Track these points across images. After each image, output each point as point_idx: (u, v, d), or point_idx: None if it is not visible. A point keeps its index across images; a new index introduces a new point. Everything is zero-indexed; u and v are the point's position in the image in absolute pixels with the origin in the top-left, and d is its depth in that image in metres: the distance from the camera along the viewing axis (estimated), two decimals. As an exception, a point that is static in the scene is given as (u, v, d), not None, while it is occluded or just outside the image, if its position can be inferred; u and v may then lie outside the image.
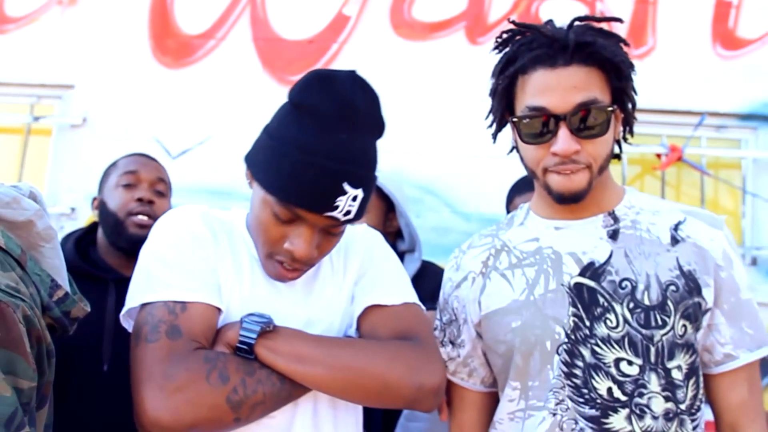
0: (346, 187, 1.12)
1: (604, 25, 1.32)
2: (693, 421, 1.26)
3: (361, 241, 1.36)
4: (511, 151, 1.38)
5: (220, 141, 2.70)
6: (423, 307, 1.31)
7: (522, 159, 1.33)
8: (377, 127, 1.19)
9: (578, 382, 1.24)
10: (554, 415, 1.24)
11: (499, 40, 1.33)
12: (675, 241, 1.30)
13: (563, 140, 1.21)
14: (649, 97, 2.81)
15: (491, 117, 1.38)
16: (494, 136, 1.39)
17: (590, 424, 1.22)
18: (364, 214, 1.19)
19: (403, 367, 1.17)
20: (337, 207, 1.12)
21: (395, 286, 1.31)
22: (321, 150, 1.10)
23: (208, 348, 1.14)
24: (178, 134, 2.70)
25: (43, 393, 1.01)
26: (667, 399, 1.23)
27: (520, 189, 2.04)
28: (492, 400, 1.41)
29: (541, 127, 1.24)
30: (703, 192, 2.83)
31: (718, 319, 1.29)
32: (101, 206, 1.89)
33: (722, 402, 1.33)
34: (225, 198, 2.66)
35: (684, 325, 1.26)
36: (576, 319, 1.26)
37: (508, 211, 2.00)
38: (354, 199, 1.13)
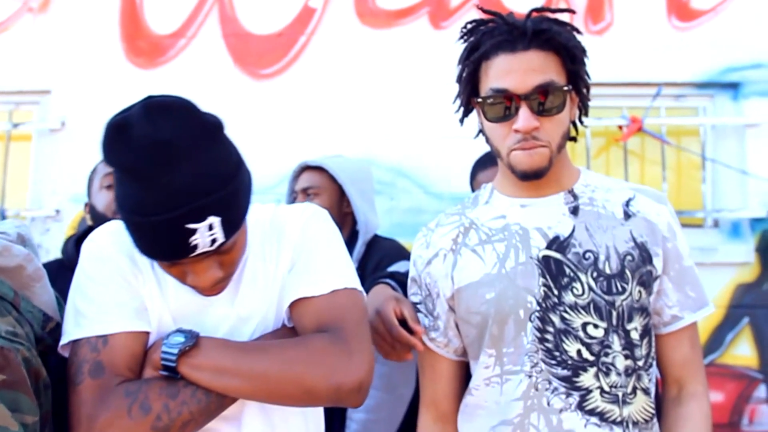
0: (191, 225, 1.06)
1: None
2: (647, 375, 1.39)
3: (295, 224, 1.31)
4: (478, 135, 1.46)
5: None
6: (358, 289, 1.29)
7: (487, 139, 1.42)
8: (202, 136, 1.09)
9: (550, 346, 1.34)
10: (530, 377, 1.34)
11: (464, 30, 1.43)
12: (627, 216, 1.41)
13: (524, 118, 1.31)
14: (609, 70, 2.89)
15: (458, 101, 1.47)
16: (462, 119, 1.48)
17: (563, 383, 1.33)
18: (241, 225, 1.14)
19: (320, 369, 1.15)
20: (196, 246, 1.07)
21: (323, 274, 1.26)
22: (147, 206, 1.05)
23: (132, 379, 1.16)
24: None
25: (42, 422, 1.09)
26: (626, 357, 1.34)
27: (484, 164, 2.10)
28: (461, 369, 1.50)
29: (503, 107, 1.34)
30: (664, 160, 2.92)
31: (666, 285, 1.42)
32: (91, 210, 2.00)
33: (669, 359, 1.45)
34: (205, 192, 2.74)
35: (639, 291, 1.37)
36: (546, 289, 1.36)
37: (472, 187, 2.09)
38: (210, 227, 1.08)
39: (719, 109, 2.95)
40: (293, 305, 1.24)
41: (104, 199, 1.94)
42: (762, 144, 2.85)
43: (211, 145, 1.10)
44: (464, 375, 1.51)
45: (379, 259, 2.05)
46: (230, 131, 2.85)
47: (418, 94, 2.82)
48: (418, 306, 1.50)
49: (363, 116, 2.80)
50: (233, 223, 1.11)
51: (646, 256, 1.38)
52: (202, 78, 2.81)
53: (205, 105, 2.92)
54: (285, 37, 2.83)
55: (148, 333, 1.20)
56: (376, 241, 2.12)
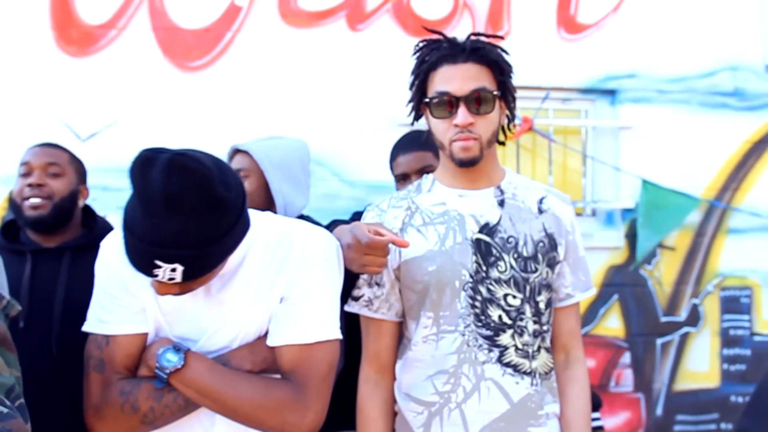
0: (159, 262, 1.23)
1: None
2: (547, 337, 1.71)
3: (299, 256, 1.43)
4: (427, 134, 1.71)
5: (126, 124, 2.86)
6: (334, 338, 1.44)
7: (432, 134, 1.67)
8: (202, 203, 1.22)
9: (478, 311, 1.62)
10: (463, 335, 1.61)
11: (416, 47, 1.69)
12: (540, 211, 1.71)
13: (462, 115, 1.57)
14: (506, 75, 3.18)
15: (411, 105, 1.72)
16: (413, 122, 1.74)
17: (486, 341, 1.61)
18: (204, 276, 1.30)
19: (278, 419, 1.37)
20: (157, 275, 1.25)
21: (309, 324, 1.41)
22: (136, 229, 1.23)
23: (128, 376, 1.40)
24: (86, 118, 2.84)
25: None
26: (535, 322, 1.65)
27: (405, 148, 2.20)
28: (398, 329, 1.74)
29: (446, 106, 1.59)
30: (550, 156, 3.20)
31: (564, 269, 1.72)
32: (10, 196, 2.12)
33: (559, 328, 1.76)
34: (134, 175, 2.86)
35: (547, 271, 1.67)
36: (477, 265, 1.63)
37: (392, 168, 2.24)
38: (173, 270, 1.24)
39: (599, 113, 3.24)
40: (277, 347, 1.42)
41: (17, 187, 2.04)
42: (633, 144, 3.16)
43: (206, 212, 1.23)
44: (399, 332, 1.75)
45: None
46: (157, 119, 3.03)
47: (334, 90, 2.99)
48: (362, 275, 1.69)
49: (283, 109, 2.95)
50: (195, 274, 1.27)
51: (553, 244, 1.68)
52: (131, 68, 2.89)
53: (135, 93, 3.03)
54: (212, 33, 2.95)
55: (146, 333, 1.42)
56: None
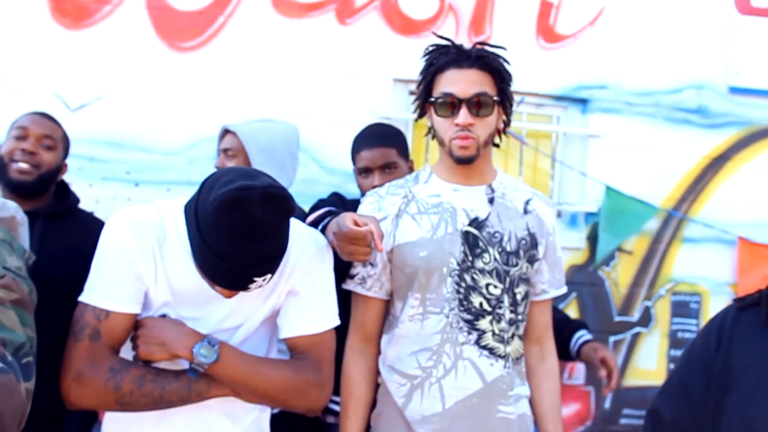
0: (257, 279, 1.39)
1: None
2: (521, 326, 1.84)
3: (303, 255, 1.58)
4: (429, 132, 1.84)
5: (116, 98, 2.89)
6: (335, 325, 1.63)
7: (435, 132, 1.79)
8: (285, 223, 1.40)
9: (461, 297, 1.74)
10: (447, 317, 1.74)
11: (426, 51, 1.82)
12: (526, 211, 1.84)
13: (463, 115, 1.70)
14: (485, 77, 3.29)
15: (417, 103, 1.85)
16: (417, 118, 1.87)
17: (467, 325, 1.74)
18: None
19: (303, 397, 1.55)
20: (250, 288, 1.41)
21: (318, 314, 1.60)
22: (231, 258, 1.34)
23: (116, 353, 1.48)
24: (77, 90, 2.86)
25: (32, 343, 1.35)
26: (512, 312, 1.78)
27: (370, 143, 2.27)
28: (385, 306, 1.87)
29: (449, 106, 1.72)
30: (522, 157, 3.30)
31: (543, 267, 1.86)
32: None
33: (535, 321, 1.91)
34: (119, 148, 2.89)
35: (527, 266, 1.80)
36: (464, 255, 1.75)
37: (354, 160, 2.32)
38: (264, 280, 1.41)
39: (570, 120, 3.34)
40: (290, 337, 1.60)
41: (8, 146, 2.12)
42: (600, 152, 3.27)
43: (287, 227, 1.42)
44: (386, 310, 1.88)
45: None
46: (146, 96, 3.12)
47: (319, 80, 3.05)
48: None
49: (268, 95, 3.00)
50: (275, 273, 1.44)
51: (534, 243, 1.81)
52: (124, 44, 2.92)
53: (126, 69, 3.10)
54: (205, 16, 2.98)
55: (138, 313, 1.50)
56: None
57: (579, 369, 3.25)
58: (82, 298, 1.49)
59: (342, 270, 1.85)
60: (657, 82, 3.33)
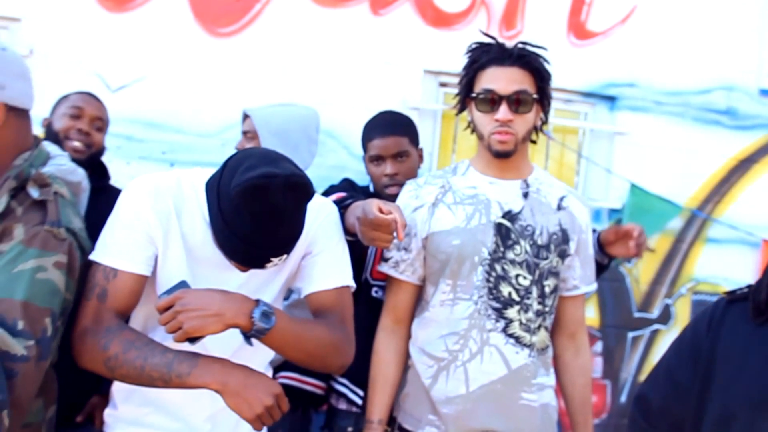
0: (273, 259, 1.42)
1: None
2: (550, 318, 1.87)
3: (315, 220, 1.60)
4: (468, 126, 1.88)
5: (154, 80, 2.95)
6: (351, 285, 1.64)
7: (475, 126, 1.84)
8: (304, 207, 1.43)
9: (491, 285, 1.78)
10: (475, 304, 1.78)
11: (470, 48, 1.86)
12: (559, 208, 1.87)
13: (503, 111, 1.75)
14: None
15: (458, 97, 1.89)
16: (458, 113, 1.91)
17: (495, 312, 1.78)
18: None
19: (339, 354, 1.54)
20: (267, 267, 1.44)
21: (336, 270, 1.62)
22: (256, 241, 1.38)
23: (122, 315, 1.46)
24: (117, 71, 2.92)
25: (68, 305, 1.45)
26: (539, 303, 1.81)
27: (383, 131, 2.28)
28: (418, 291, 1.91)
29: (490, 102, 1.76)
30: (548, 152, 3.31)
31: (575, 263, 1.89)
32: (48, 126, 2.28)
33: (569, 316, 1.95)
34: (155, 129, 2.96)
35: (557, 260, 1.84)
36: (495, 246, 1.79)
37: (365, 148, 2.34)
38: (280, 259, 1.44)
39: (597, 117, 3.34)
40: (311, 294, 1.61)
41: (63, 124, 2.21)
42: (627, 150, 3.27)
43: (305, 211, 1.45)
44: (418, 294, 1.92)
45: None
46: (182, 79, 3.20)
47: (352, 68, 3.09)
48: (395, 242, 1.86)
49: (302, 81, 3.04)
50: (291, 251, 1.46)
51: (565, 238, 1.84)
52: (164, 28, 2.97)
53: (165, 53, 3.18)
54: (242, 3, 3.01)
55: (147, 277, 1.49)
56: None
57: (597, 362, 3.28)
58: (93, 257, 1.48)
59: (358, 258, 1.87)
60: (686, 82, 3.32)
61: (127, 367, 1.39)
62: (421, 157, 2.38)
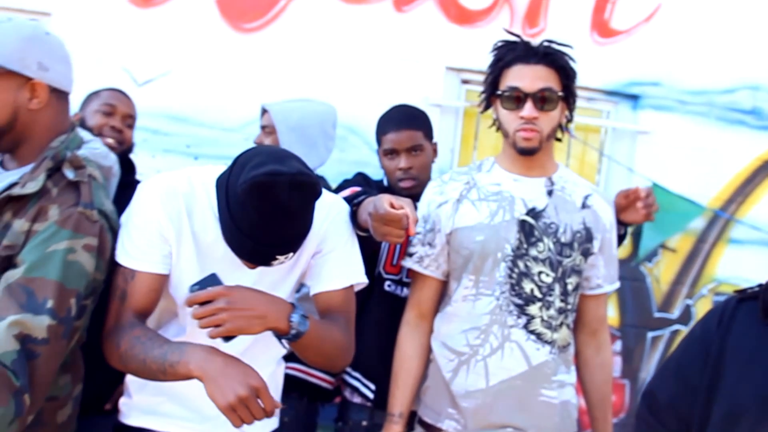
0: (279, 257, 1.43)
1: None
2: (571, 315, 1.88)
3: (326, 218, 1.61)
4: (493, 124, 1.89)
5: (180, 74, 2.98)
6: (360, 281, 1.66)
7: (500, 124, 1.85)
8: (311, 208, 1.43)
9: (514, 282, 1.80)
10: (497, 300, 1.80)
11: (495, 46, 1.87)
12: (584, 206, 1.88)
13: (528, 109, 1.76)
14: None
15: (483, 95, 1.90)
16: (482, 111, 1.93)
17: (517, 309, 1.79)
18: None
19: (344, 355, 1.58)
20: (273, 264, 1.45)
21: (344, 271, 1.63)
22: (261, 239, 1.39)
23: (141, 315, 1.50)
24: (144, 66, 2.96)
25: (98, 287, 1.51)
26: (562, 301, 1.82)
27: (397, 125, 2.27)
28: (441, 286, 1.93)
29: (515, 100, 1.78)
30: (569, 150, 3.29)
31: (599, 262, 1.90)
32: (81, 122, 2.32)
33: (592, 314, 1.96)
34: (181, 123, 3.00)
35: (580, 259, 1.85)
36: (518, 242, 1.80)
37: (379, 141, 2.32)
38: (286, 257, 1.44)
39: (620, 115, 3.32)
40: (319, 294, 1.63)
41: (97, 121, 2.25)
42: (649, 149, 3.24)
43: (312, 210, 1.45)
44: (442, 290, 1.94)
45: None
46: (208, 74, 3.22)
47: (375, 65, 3.10)
48: (417, 235, 1.89)
49: (325, 77, 3.06)
50: (297, 250, 1.47)
51: (589, 237, 1.85)
52: (189, 24, 3.00)
53: (190, 48, 3.22)
54: None
55: (166, 275, 1.53)
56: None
57: (615, 362, 3.27)
58: (117, 259, 1.52)
59: (371, 253, 1.89)
60: (711, 81, 3.28)
61: (134, 362, 1.43)
62: (435, 151, 2.36)
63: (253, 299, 1.38)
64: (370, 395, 2.14)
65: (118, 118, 2.28)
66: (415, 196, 2.13)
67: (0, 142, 1.49)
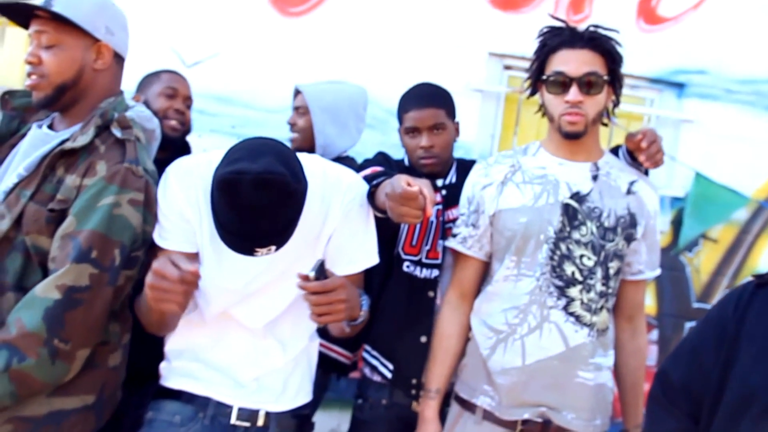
0: (257, 249, 1.44)
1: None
2: (612, 299, 1.87)
3: (343, 200, 1.62)
4: (540, 109, 1.90)
5: (227, 57, 3.05)
6: (375, 261, 1.70)
7: (546, 108, 1.86)
8: (283, 203, 1.39)
9: (555, 264, 1.80)
10: (537, 280, 1.80)
11: (541, 32, 1.87)
12: (629, 192, 1.87)
13: (573, 93, 1.75)
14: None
15: (529, 81, 1.91)
16: (529, 96, 1.93)
17: (557, 290, 1.80)
18: (290, 238, 1.48)
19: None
20: (256, 255, 1.45)
21: (362, 254, 1.68)
22: (236, 232, 1.42)
23: None
24: (193, 48, 3.03)
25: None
26: (603, 284, 1.81)
27: (420, 103, 2.19)
28: (484, 267, 1.95)
29: (560, 84, 1.78)
30: (611, 137, 3.26)
31: (642, 248, 1.88)
32: (145, 104, 2.39)
33: (629, 299, 1.95)
34: (227, 104, 3.07)
35: (623, 244, 1.83)
36: (561, 225, 1.81)
37: (401, 119, 2.23)
38: (268, 250, 1.45)
39: (664, 103, 3.27)
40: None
41: (161, 104, 2.30)
42: (692, 138, 3.20)
43: (286, 206, 1.42)
44: (484, 271, 1.96)
45: None
46: (254, 56, 3.27)
47: (418, 49, 3.11)
48: (462, 216, 1.93)
49: (368, 60, 3.08)
50: (284, 243, 1.47)
51: (633, 222, 1.84)
52: (237, 7, 3.06)
53: (238, 31, 3.27)
54: None
55: (194, 253, 1.58)
56: (337, 160, 2.15)
57: (651, 350, 3.26)
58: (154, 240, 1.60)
59: (389, 237, 1.89)
60: (759, 70, 3.21)
61: (141, 314, 1.58)
62: (457, 130, 2.27)
63: (353, 292, 1.50)
64: (388, 375, 2.14)
65: (180, 100, 2.34)
66: (436, 174, 2.16)
67: (61, 98, 1.58)
